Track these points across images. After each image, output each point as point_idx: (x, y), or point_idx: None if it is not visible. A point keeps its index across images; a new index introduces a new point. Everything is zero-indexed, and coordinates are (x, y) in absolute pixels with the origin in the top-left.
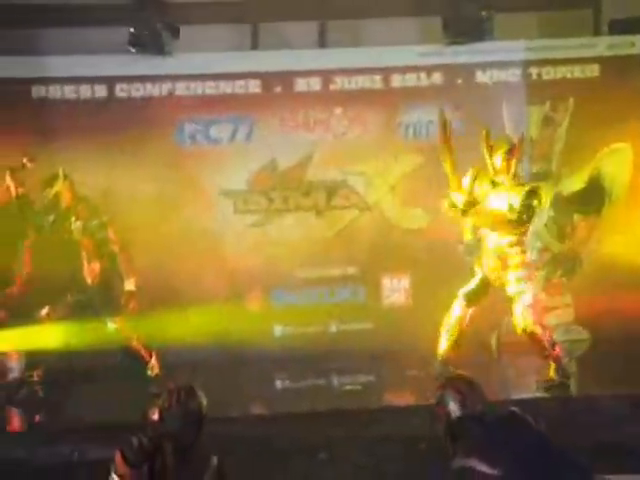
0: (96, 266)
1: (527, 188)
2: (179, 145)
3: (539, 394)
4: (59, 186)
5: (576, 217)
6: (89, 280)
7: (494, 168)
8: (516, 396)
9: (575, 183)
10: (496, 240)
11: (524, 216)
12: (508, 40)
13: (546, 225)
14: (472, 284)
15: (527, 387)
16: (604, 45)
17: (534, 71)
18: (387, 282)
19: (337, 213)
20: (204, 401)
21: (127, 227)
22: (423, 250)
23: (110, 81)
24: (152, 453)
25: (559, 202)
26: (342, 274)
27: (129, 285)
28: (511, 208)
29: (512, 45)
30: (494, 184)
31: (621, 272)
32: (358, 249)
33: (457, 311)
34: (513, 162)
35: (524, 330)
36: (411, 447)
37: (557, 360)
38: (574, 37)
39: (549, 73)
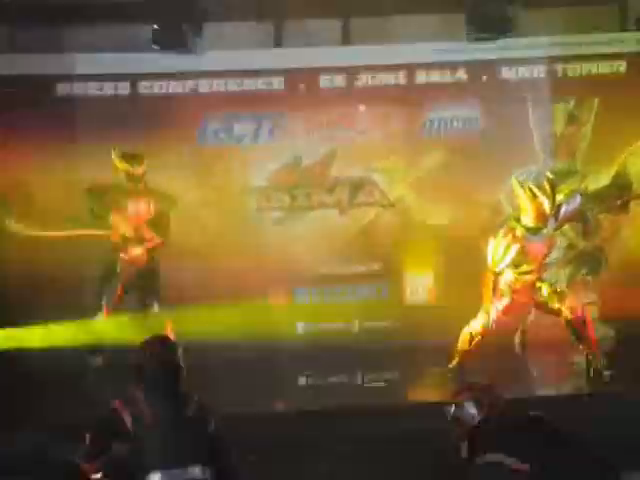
0: (145, 251)
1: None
2: (202, 142)
3: (568, 387)
4: (143, 167)
5: (602, 214)
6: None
7: (528, 214)
8: (541, 393)
9: (601, 180)
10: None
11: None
12: (533, 36)
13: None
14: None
15: (552, 384)
16: (631, 41)
17: (559, 67)
18: (410, 279)
19: (360, 210)
20: (179, 350)
21: None
22: (446, 247)
23: (134, 78)
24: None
25: (584, 199)
26: (365, 271)
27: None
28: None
29: (537, 41)
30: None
31: None
32: (381, 246)
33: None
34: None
35: (568, 312)
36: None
37: (597, 347)
38: (600, 33)
39: (575, 70)
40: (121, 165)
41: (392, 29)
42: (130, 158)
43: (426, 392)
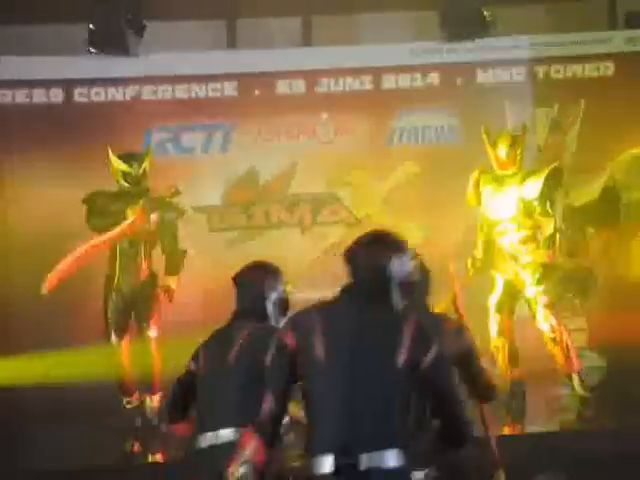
0: (147, 262)
1: (545, 172)
2: None
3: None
4: (148, 162)
5: (589, 231)
6: (140, 277)
7: (498, 161)
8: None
9: (588, 193)
10: (509, 239)
11: (544, 205)
12: (512, 36)
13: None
14: (497, 293)
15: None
16: (620, 40)
17: (541, 70)
18: None
19: (324, 229)
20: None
21: None
22: (419, 268)
23: (67, 84)
24: None
25: (570, 214)
26: (330, 297)
27: (169, 281)
28: (524, 202)
29: (517, 41)
30: (499, 181)
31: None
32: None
33: (494, 326)
34: (519, 153)
35: (551, 332)
36: None
37: (579, 369)
38: (586, 31)
39: (558, 72)
40: (119, 165)
41: (357, 29)
42: (129, 157)
43: None
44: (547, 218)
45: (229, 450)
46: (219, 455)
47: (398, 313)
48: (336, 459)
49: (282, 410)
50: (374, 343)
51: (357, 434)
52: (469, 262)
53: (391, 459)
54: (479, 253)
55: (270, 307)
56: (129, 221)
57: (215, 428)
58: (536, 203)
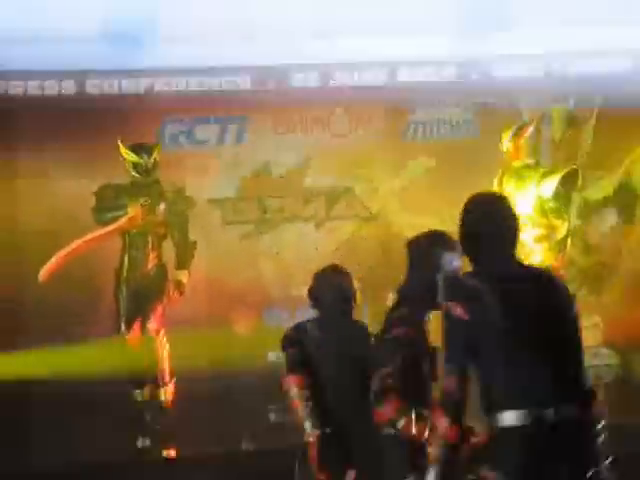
0: (156, 254)
1: (561, 173)
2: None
3: None
4: (158, 153)
5: (605, 227)
6: (149, 268)
7: (509, 154)
8: None
9: (603, 189)
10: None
11: (558, 206)
12: (527, 30)
13: (571, 236)
14: None
15: None
16: (637, 36)
17: (558, 64)
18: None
19: (338, 224)
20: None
21: None
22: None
23: (80, 76)
24: None
25: (585, 210)
26: None
27: (181, 275)
28: (541, 200)
29: (532, 36)
30: (519, 176)
31: None
32: (361, 263)
33: None
34: (523, 142)
35: None
36: None
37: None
38: (604, 26)
39: (574, 66)
40: (129, 156)
41: (373, 22)
42: (139, 148)
43: None
44: (561, 220)
45: None
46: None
47: None
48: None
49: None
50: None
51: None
52: None
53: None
54: None
55: None
56: (127, 217)
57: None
58: (551, 203)
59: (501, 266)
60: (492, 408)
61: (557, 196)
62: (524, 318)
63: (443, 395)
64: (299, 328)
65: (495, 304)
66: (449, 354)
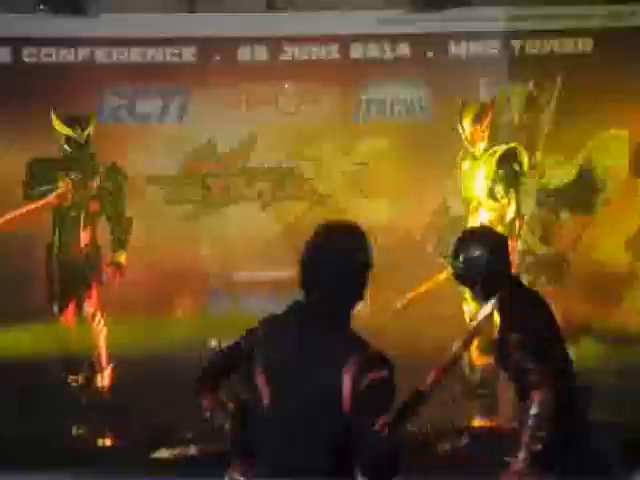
0: (89, 232)
1: (499, 152)
2: (99, 122)
3: None
4: (92, 127)
5: (564, 215)
6: (81, 247)
7: (465, 136)
8: None
9: (563, 175)
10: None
11: (501, 188)
12: (487, 7)
13: (528, 224)
14: None
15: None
16: (600, 15)
17: (517, 44)
18: None
19: (285, 205)
20: None
21: None
22: (385, 249)
23: (16, 44)
24: None
25: (544, 197)
26: (290, 277)
27: (119, 257)
28: (489, 181)
29: (492, 13)
30: (474, 158)
31: (615, 280)
32: None
33: (466, 311)
34: (485, 126)
35: None
36: None
37: None
38: (565, 5)
39: (534, 47)
40: (62, 129)
41: None
42: (73, 120)
43: None
44: (505, 201)
45: None
46: None
47: None
48: None
49: None
50: None
51: None
52: None
53: None
54: None
55: None
56: (54, 194)
57: None
58: (497, 185)
59: None
60: None
61: (498, 177)
62: None
63: None
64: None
65: None
66: None
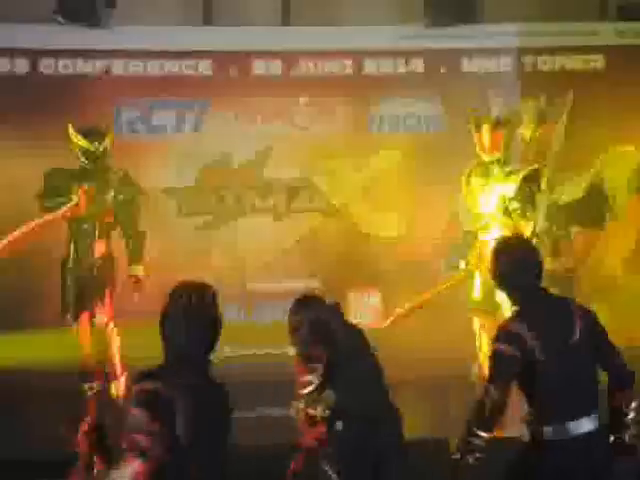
0: (103, 244)
1: (522, 173)
2: (115, 133)
3: None
4: (110, 140)
5: (573, 230)
6: (95, 258)
7: (482, 145)
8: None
9: (573, 191)
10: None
11: (520, 207)
12: (500, 23)
13: (538, 238)
14: (476, 292)
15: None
16: (610, 32)
17: (529, 60)
18: (354, 299)
19: (298, 217)
20: None
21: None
22: (397, 262)
23: (33, 55)
24: None
25: (554, 212)
26: (302, 288)
27: (136, 270)
28: (505, 200)
29: (504, 29)
30: (485, 174)
31: (624, 296)
32: (322, 260)
33: (475, 325)
34: (503, 136)
35: None
36: None
37: None
38: (576, 22)
39: (546, 63)
40: (79, 141)
41: (339, 10)
42: (90, 133)
43: None
44: (524, 221)
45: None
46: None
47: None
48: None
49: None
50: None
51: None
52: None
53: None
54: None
55: None
56: (69, 205)
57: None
58: (514, 204)
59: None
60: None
61: (520, 197)
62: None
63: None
64: None
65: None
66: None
